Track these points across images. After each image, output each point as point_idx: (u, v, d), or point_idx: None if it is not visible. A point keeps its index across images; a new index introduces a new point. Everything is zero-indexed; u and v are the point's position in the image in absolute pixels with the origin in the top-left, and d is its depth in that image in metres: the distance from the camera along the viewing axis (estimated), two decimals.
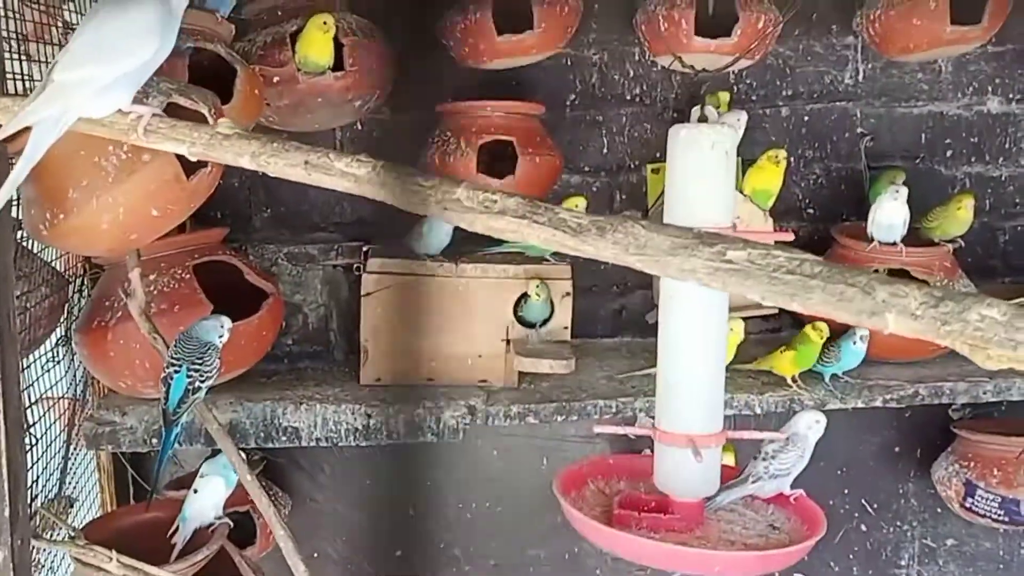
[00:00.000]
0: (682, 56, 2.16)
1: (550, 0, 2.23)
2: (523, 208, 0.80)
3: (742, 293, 0.76)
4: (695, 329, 1.52)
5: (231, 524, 1.95)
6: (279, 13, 2.20)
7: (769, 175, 2.29)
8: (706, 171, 1.48)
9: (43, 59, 1.77)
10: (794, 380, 2.23)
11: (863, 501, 2.71)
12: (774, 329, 2.67)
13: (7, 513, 1.38)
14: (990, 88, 2.64)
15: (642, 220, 0.77)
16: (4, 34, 1.48)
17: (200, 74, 1.85)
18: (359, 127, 2.51)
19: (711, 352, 1.53)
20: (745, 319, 2.27)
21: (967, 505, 2.40)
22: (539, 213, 0.79)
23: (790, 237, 1.58)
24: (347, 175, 0.84)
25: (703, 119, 1.59)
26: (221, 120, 0.89)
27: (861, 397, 2.24)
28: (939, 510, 2.67)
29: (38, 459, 1.88)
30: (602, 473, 1.78)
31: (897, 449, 2.69)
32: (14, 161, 1.51)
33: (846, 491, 2.70)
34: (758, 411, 2.24)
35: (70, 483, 2.15)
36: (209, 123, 1.03)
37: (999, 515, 2.35)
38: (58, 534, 1.96)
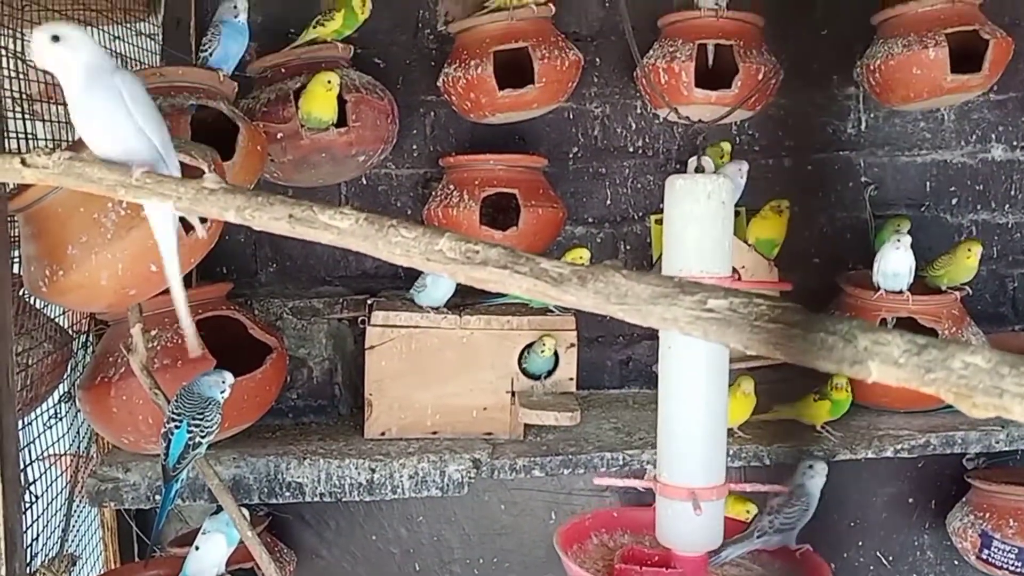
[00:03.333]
0: (682, 108, 2.17)
1: (551, 55, 2.26)
2: (505, 258, 0.80)
3: (724, 342, 0.75)
4: (695, 379, 1.51)
5: None
6: (283, 70, 2.24)
7: (772, 225, 2.29)
8: (703, 221, 1.48)
9: (49, 119, 1.79)
10: (823, 427, 2.21)
11: (877, 553, 2.66)
12: (784, 379, 2.65)
13: (3, 572, 1.37)
14: (993, 136, 2.64)
15: (623, 269, 0.77)
16: (8, 94, 1.50)
17: (204, 131, 1.87)
18: (363, 182, 2.54)
19: (712, 403, 1.52)
20: (752, 369, 2.25)
21: (984, 557, 2.36)
22: (520, 263, 0.79)
23: (788, 287, 1.58)
24: (330, 227, 0.85)
25: (700, 169, 1.59)
26: (207, 175, 0.90)
27: (872, 447, 2.21)
28: (956, 562, 2.62)
29: (39, 516, 1.87)
30: (606, 526, 1.76)
31: (911, 500, 2.65)
32: (16, 220, 1.53)
33: (860, 543, 2.66)
34: (767, 462, 2.21)
35: (73, 541, 2.14)
36: None
37: (1017, 567, 2.30)
38: None
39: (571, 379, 2.26)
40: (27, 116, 1.65)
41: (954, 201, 2.65)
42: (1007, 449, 2.32)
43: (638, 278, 0.77)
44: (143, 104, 1.17)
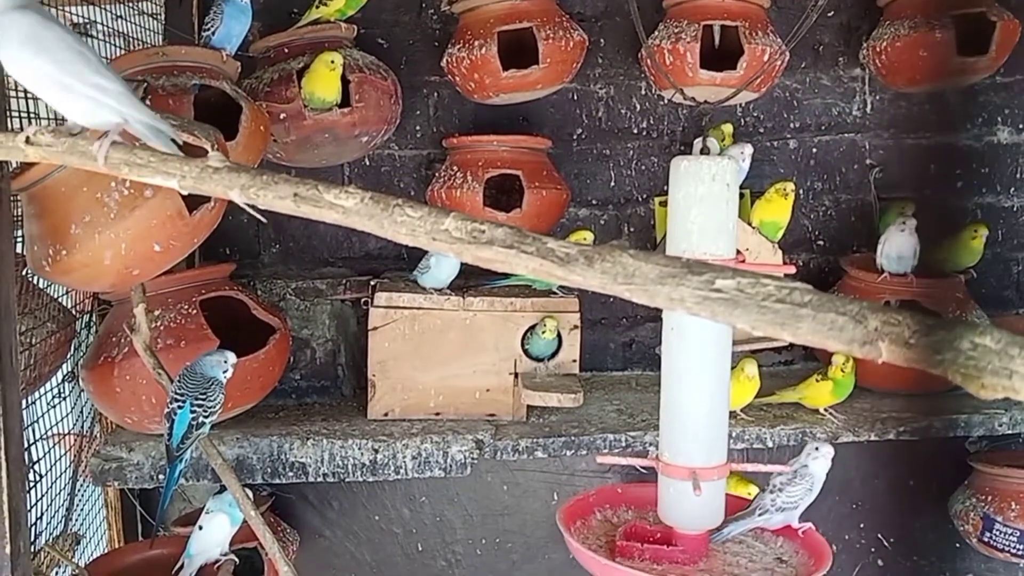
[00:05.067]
0: (687, 89, 2.16)
1: (555, 35, 2.25)
2: (511, 238, 0.79)
3: (731, 322, 0.75)
4: (697, 360, 1.51)
5: (236, 561, 1.94)
6: (286, 50, 2.23)
7: (777, 207, 2.28)
8: (707, 203, 1.47)
9: None
10: (827, 410, 2.22)
11: (879, 536, 2.66)
12: (787, 362, 2.65)
13: (8, 550, 1.38)
14: (999, 118, 2.63)
15: (629, 249, 0.76)
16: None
17: (207, 111, 1.86)
18: (366, 162, 2.53)
19: (714, 383, 1.52)
20: (756, 352, 2.25)
21: (985, 539, 2.36)
22: (527, 243, 0.79)
23: (792, 269, 1.58)
24: (335, 206, 0.84)
25: (705, 151, 1.58)
26: (212, 153, 0.89)
27: (875, 430, 2.21)
28: (957, 545, 2.62)
29: (43, 495, 1.88)
30: (610, 502, 1.76)
31: (912, 483, 2.65)
32: (18, 199, 1.53)
33: (862, 525, 2.66)
34: (770, 444, 2.21)
35: (77, 520, 2.15)
36: None
37: (1018, 550, 2.31)
38: (64, 571, 1.96)
39: (574, 361, 2.26)
40: (30, 95, 1.64)
41: (959, 184, 2.64)
42: (1010, 432, 2.32)
43: (645, 258, 0.77)
44: (50, 42, 1.06)
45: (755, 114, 2.59)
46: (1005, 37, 2.28)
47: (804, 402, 2.24)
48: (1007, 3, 2.35)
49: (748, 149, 2.32)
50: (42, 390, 1.93)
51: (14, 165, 1.48)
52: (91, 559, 2.10)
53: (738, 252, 1.58)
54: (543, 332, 2.18)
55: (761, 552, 1.62)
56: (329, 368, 2.48)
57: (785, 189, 2.27)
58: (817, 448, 1.66)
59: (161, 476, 2.03)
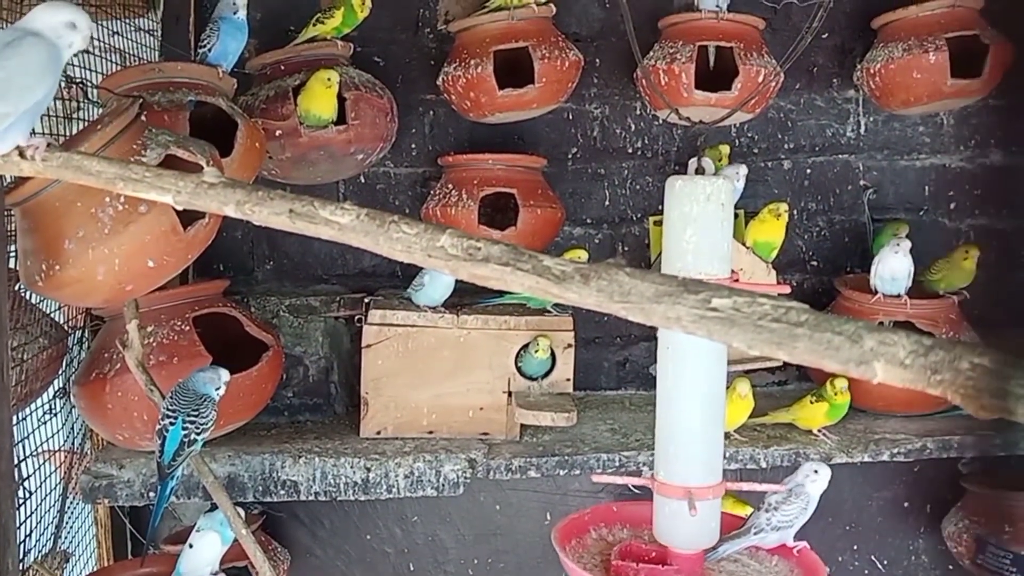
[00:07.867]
0: (682, 109, 2.17)
1: (551, 55, 2.26)
2: (507, 255, 0.79)
3: (728, 341, 0.75)
4: (693, 380, 1.50)
5: None
6: (282, 68, 2.23)
7: (771, 228, 2.29)
8: (702, 222, 1.48)
9: (49, 113, 1.78)
10: (821, 431, 2.21)
11: (872, 557, 2.66)
12: (780, 382, 2.65)
13: None
14: (992, 141, 2.64)
15: (626, 267, 0.76)
16: None
17: (202, 127, 1.86)
18: (362, 180, 2.53)
19: (708, 403, 1.51)
20: (750, 372, 2.25)
21: (979, 561, 2.35)
22: (523, 260, 0.79)
23: (786, 290, 1.58)
24: (331, 223, 0.84)
25: (700, 171, 1.59)
26: (207, 169, 0.89)
27: (868, 451, 2.21)
28: (950, 567, 2.61)
29: (32, 512, 1.86)
30: (605, 521, 1.75)
31: (906, 504, 2.65)
32: (12, 214, 1.53)
33: (855, 547, 2.65)
34: (763, 464, 2.20)
35: (67, 537, 2.13)
36: None
37: (1012, 572, 2.30)
38: None
39: (568, 380, 2.25)
40: None
41: (952, 205, 2.65)
42: (1003, 454, 2.32)
43: (642, 276, 0.76)
44: None
45: (749, 135, 2.60)
46: (998, 59, 2.29)
47: (798, 423, 2.23)
48: (1000, 26, 2.37)
49: (743, 169, 2.33)
50: (33, 406, 1.92)
51: (8, 179, 1.47)
52: None
53: (732, 272, 1.59)
54: (536, 351, 2.17)
55: (756, 571, 1.61)
56: (322, 386, 2.47)
57: (779, 209, 2.27)
58: (816, 471, 1.66)
59: (152, 494, 2.01)
